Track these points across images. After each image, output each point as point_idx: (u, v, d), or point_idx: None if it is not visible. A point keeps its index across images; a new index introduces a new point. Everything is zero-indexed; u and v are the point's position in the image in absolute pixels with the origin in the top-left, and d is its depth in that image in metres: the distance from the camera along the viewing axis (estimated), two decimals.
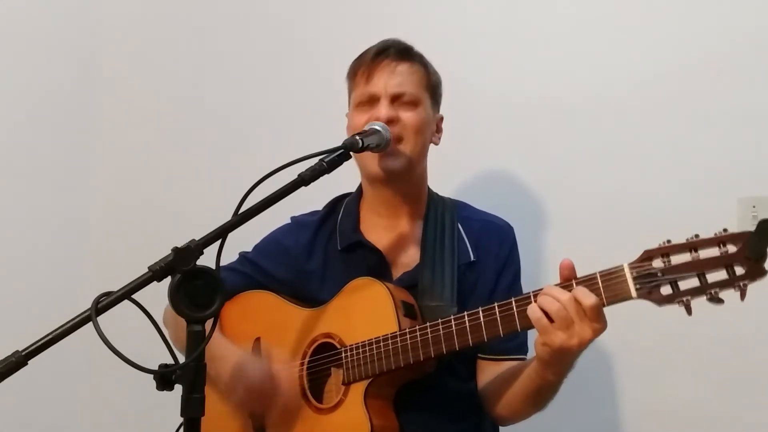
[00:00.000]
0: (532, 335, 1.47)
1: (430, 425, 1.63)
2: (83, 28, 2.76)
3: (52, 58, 2.68)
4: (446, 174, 2.00)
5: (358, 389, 1.58)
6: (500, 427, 1.78)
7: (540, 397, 1.55)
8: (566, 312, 1.35)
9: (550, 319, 1.36)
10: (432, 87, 1.75)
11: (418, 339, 1.53)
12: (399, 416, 1.59)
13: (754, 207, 1.91)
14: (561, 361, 1.43)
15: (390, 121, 1.64)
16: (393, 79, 1.68)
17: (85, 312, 1.20)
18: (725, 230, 1.28)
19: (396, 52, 1.72)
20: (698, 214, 1.89)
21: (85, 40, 2.76)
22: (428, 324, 1.53)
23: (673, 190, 2.00)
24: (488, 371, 1.68)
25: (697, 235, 1.30)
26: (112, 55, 2.78)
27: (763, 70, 1.95)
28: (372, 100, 1.69)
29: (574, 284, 1.38)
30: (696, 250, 1.29)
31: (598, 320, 1.35)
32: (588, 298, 1.34)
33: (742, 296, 1.27)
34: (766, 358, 1.91)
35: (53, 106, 2.68)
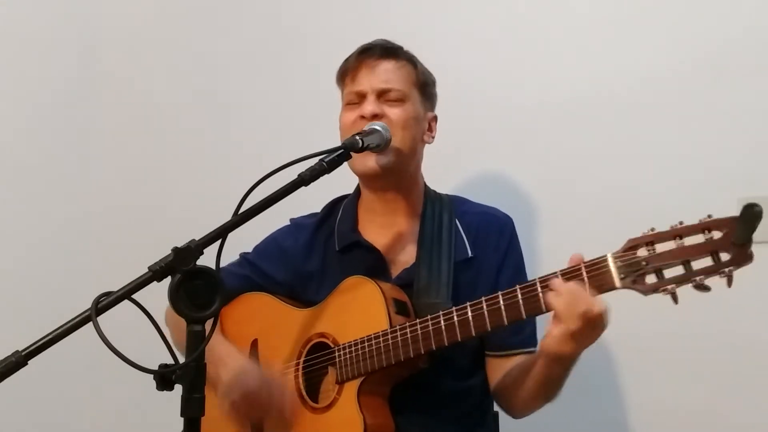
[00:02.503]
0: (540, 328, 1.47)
1: (428, 425, 1.64)
2: (83, 27, 2.75)
3: (52, 57, 2.68)
4: (445, 172, 2.00)
5: (352, 388, 1.59)
6: (500, 426, 1.78)
7: (548, 388, 1.56)
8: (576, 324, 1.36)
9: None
10: (421, 84, 1.75)
11: (408, 336, 1.53)
12: (396, 417, 1.59)
13: None
14: (566, 357, 1.44)
15: (375, 117, 1.65)
16: (378, 75, 1.69)
17: (85, 312, 1.20)
18: (710, 216, 1.27)
19: (381, 50, 1.73)
20: (698, 214, 1.88)
21: (85, 39, 2.76)
22: (417, 321, 1.53)
23: (673, 189, 2.00)
24: (498, 368, 1.68)
25: (681, 222, 1.29)
26: (112, 54, 2.78)
27: (763, 70, 1.95)
28: (359, 99, 1.70)
29: (559, 274, 1.38)
30: (681, 238, 1.28)
31: (603, 326, 1.37)
32: (596, 307, 1.34)
33: (729, 283, 1.25)
34: (766, 358, 1.91)
35: (53, 105, 2.68)
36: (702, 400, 1.94)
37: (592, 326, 1.35)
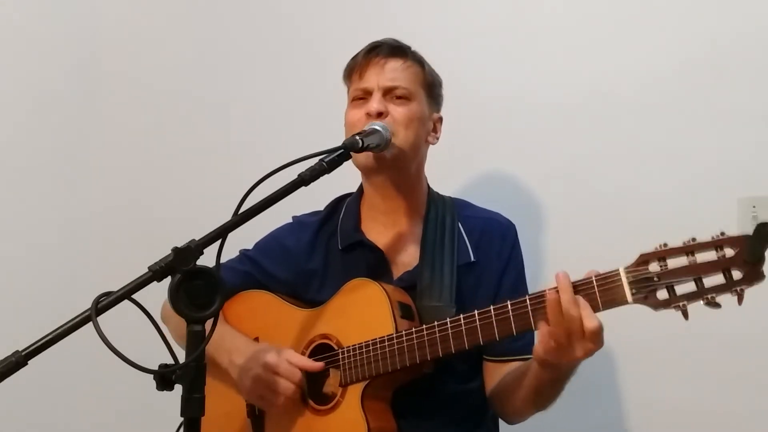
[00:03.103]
0: None
1: (429, 428, 1.64)
2: (83, 27, 2.75)
3: (51, 56, 2.68)
4: (448, 174, 2.00)
5: (356, 391, 1.58)
6: (500, 428, 1.78)
7: (539, 397, 1.56)
8: (568, 331, 1.36)
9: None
10: (428, 84, 1.75)
11: (414, 341, 1.53)
12: (398, 420, 1.59)
13: (754, 207, 1.90)
14: (555, 367, 1.45)
15: (380, 115, 1.65)
16: (385, 73, 1.70)
17: (85, 312, 1.20)
18: (722, 233, 1.27)
19: (389, 48, 1.73)
20: (698, 214, 1.89)
21: (85, 39, 2.76)
22: (424, 326, 1.53)
23: (672, 190, 2.00)
24: (495, 373, 1.69)
25: (694, 239, 1.29)
26: (111, 53, 2.77)
27: (763, 70, 1.95)
28: (365, 95, 1.70)
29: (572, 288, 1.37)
30: (693, 254, 1.28)
31: (594, 343, 1.36)
32: (590, 322, 1.34)
33: (740, 300, 1.26)
34: (766, 358, 1.91)
35: (53, 105, 2.68)
36: (702, 400, 1.94)
37: (577, 337, 1.35)
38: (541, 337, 1.40)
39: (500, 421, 1.78)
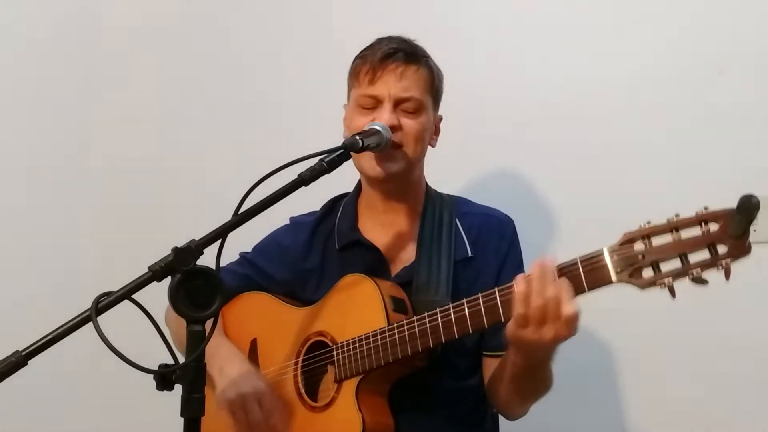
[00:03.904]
0: None
1: (428, 425, 1.64)
2: (83, 27, 2.75)
3: (52, 57, 2.68)
4: (448, 173, 2.00)
5: (350, 386, 1.59)
6: (500, 428, 1.78)
7: (518, 385, 1.55)
8: (543, 310, 1.35)
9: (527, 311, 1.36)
10: (435, 89, 1.73)
11: (406, 333, 1.52)
12: (396, 416, 1.59)
13: None
14: (525, 347, 1.43)
15: (392, 128, 1.62)
16: (398, 83, 1.65)
17: (85, 312, 1.20)
18: (706, 208, 1.26)
19: (404, 55, 1.67)
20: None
21: (86, 39, 2.75)
22: (415, 318, 1.53)
23: (673, 189, 2.00)
24: (491, 368, 1.68)
25: (677, 215, 1.27)
26: (111, 54, 2.77)
27: (764, 70, 1.95)
28: (375, 103, 1.66)
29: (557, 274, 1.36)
30: (677, 231, 1.26)
31: (568, 329, 1.35)
32: (568, 307, 1.34)
33: (727, 275, 1.23)
34: (765, 358, 1.91)
35: (53, 105, 2.68)
36: (702, 400, 1.94)
37: (552, 318, 1.34)
38: (515, 313, 1.38)
39: (500, 421, 1.79)
